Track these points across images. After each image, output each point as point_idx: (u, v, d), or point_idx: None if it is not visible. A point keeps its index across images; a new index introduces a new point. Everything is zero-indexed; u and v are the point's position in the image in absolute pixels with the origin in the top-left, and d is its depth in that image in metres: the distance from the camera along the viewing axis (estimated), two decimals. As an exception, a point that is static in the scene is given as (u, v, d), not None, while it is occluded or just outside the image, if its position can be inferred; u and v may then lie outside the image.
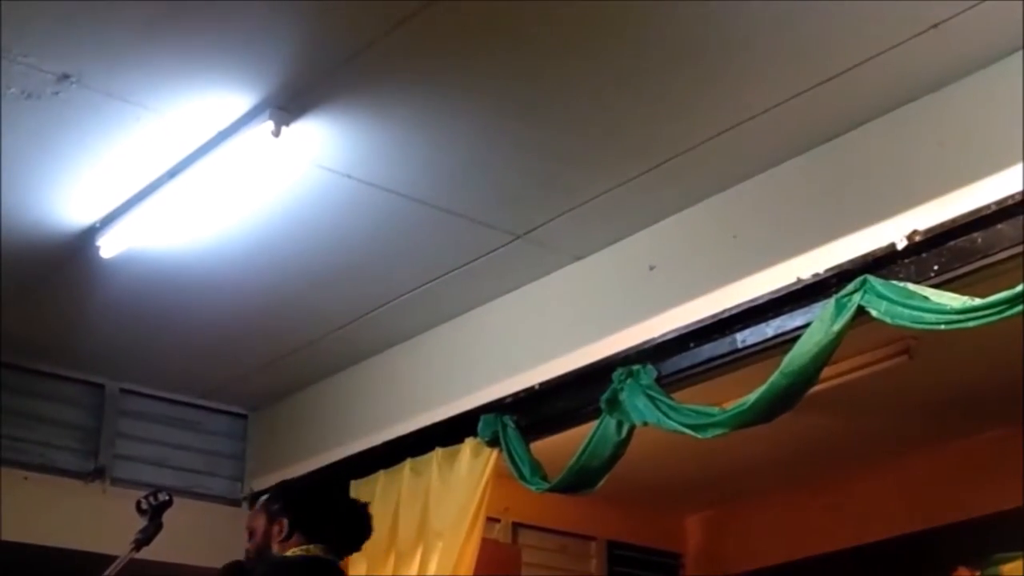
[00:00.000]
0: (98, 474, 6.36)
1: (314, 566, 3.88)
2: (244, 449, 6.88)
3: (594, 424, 4.81)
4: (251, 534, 3.98)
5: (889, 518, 6.73)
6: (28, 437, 6.24)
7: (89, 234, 4.97)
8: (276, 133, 4.08)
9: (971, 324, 3.70)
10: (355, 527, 4.09)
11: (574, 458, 4.85)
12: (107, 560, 4.99)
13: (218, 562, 6.57)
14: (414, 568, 5.53)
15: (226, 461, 6.82)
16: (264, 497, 4.12)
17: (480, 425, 5.33)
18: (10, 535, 5.57)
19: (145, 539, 2.80)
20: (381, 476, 5.84)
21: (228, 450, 6.85)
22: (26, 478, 6.17)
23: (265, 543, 3.92)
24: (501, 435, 5.24)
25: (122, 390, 6.54)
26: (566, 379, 5.09)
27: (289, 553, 3.87)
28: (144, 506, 2.84)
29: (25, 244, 5.10)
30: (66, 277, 5.38)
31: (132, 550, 2.80)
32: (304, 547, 3.89)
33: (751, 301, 4.41)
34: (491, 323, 5.59)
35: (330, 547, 3.95)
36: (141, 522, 2.86)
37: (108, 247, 4.99)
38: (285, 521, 3.91)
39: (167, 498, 2.83)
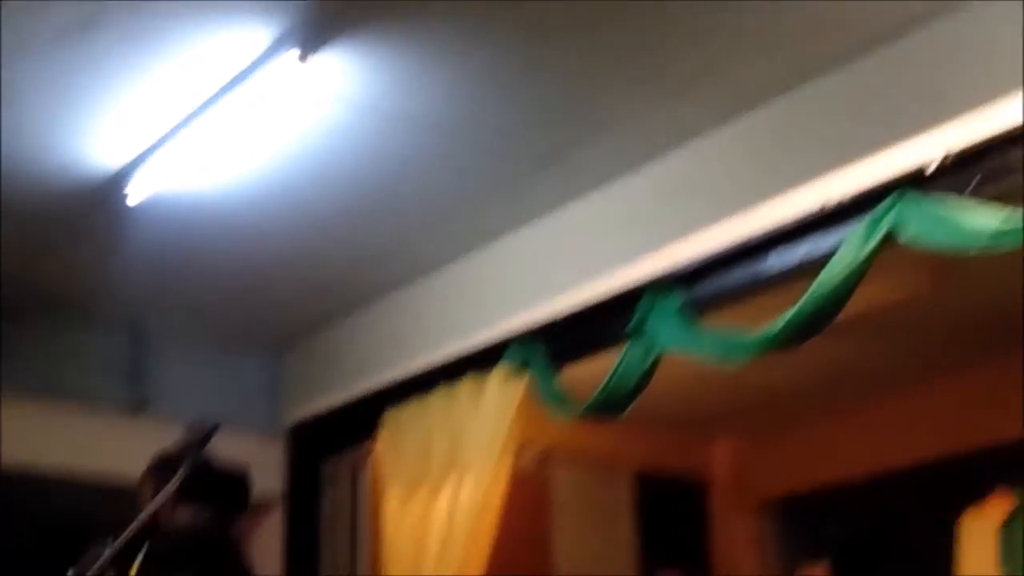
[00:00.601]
0: (140, 408, 6.48)
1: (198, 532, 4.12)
2: (280, 383, 6.98)
3: (621, 350, 4.84)
4: (142, 501, 4.20)
5: (919, 443, 6.73)
6: (74, 373, 6.38)
7: (116, 181, 5.03)
8: (303, 58, 4.09)
9: (1007, 246, 3.66)
10: (235, 493, 4.37)
11: (601, 385, 4.89)
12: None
13: (257, 491, 6.73)
14: (445, 496, 5.61)
15: (263, 394, 6.92)
16: (149, 466, 4.30)
17: (509, 352, 5.38)
18: (60, 467, 5.70)
19: (192, 467, 2.86)
20: (413, 405, 5.91)
21: (264, 383, 6.95)
22: (73, 412, 6.31)
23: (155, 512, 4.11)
24: (530, 362, 5.29)
25: (160, 329, 6.64)
26: (594, 305, 5.13)
27: (181, 521, 4.06)
28: (190, 435, 2.90)
29: (53, 192, 5.17)
30: (97, 224, 5.46)
31: (181, 475, 2.86)
32: (195, 513, 4.10)
33: (780, 224, 4.39)
34: (519, 250, 5.62)
35: (216, 513, 4.20)
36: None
37: (135, 194, 5.06)
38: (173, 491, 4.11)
39: (212, 426, 2.89)
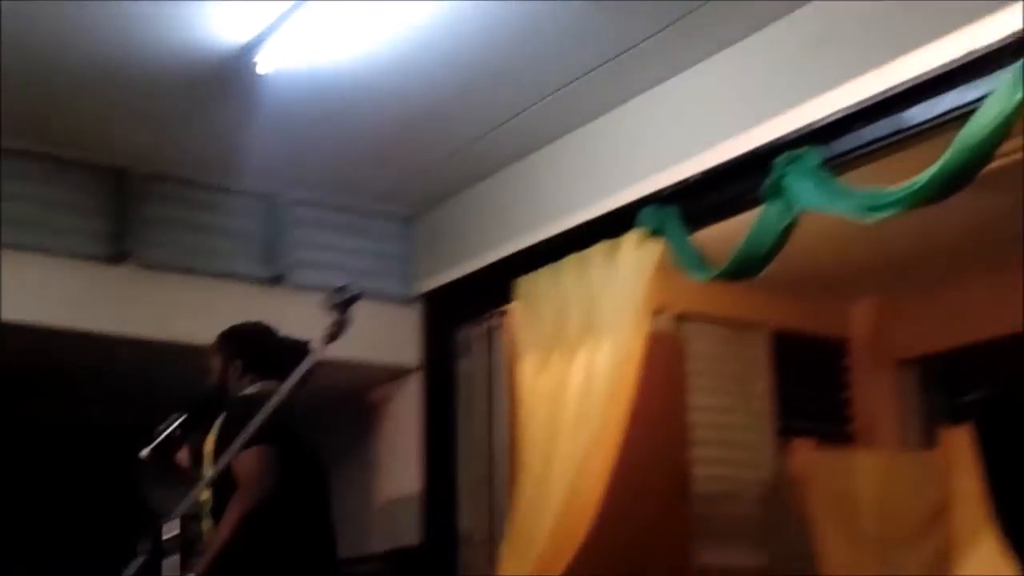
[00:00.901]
0: (277, 280, 6.58)
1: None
2: (413, 252, 7.03)
3: (758, 211, 4.78)
4: (211, 371, 4.38)
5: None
6: (211, 247, 6.52)
7: (247, 51, 5.07)
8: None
9: None
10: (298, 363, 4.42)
11: (738, 246, 4.84)
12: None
13: (393, 359, 6.86)
14: (581, 363, 5.63)
15: (396, 263, 6.99)
16: (217, 338, 4.47)
17: (642, 216, 5.33)
18: (198, 339, 5.82)
19: (335, 333, 2.93)
20: (545, 272, 5.91)
21: (398, 252, 7.02)
22: (213, 286, 6.46)
23: (224, 381, 4.50)
24: (663, 226, 5.24)
25: (294, 199, 6.72)
26: (728, 167, 5.06)
27: (252, 390, 4.38)
28: (333, 302, 2.95)
29: (184, 66, 5.24)
30: (229, 96, 5.51)
31: (324, 343, 2.91)
32: (260, 384, 4.42)
33: (922, 75, 4.25)
34: (650, 113, 5.55)
35: (281, 381, 4.27)
36: (328, 319, 2.97)
37: (265, 64, 5.08)
38: (240, 362, 4.49)
39: (354, 293, 2.93)
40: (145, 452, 4.35)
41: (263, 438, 3.99)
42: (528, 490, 5.75)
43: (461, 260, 6.63)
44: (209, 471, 4.17)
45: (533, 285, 5.96)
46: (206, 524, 4.12)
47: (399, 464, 7.03)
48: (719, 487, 6.91)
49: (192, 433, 4.43)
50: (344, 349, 3.08)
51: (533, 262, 6.02)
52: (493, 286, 6.36)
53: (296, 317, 6.27)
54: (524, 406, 5.90)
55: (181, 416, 4.43)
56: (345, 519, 7.48)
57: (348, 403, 7.41)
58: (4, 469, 7.48)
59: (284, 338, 4.56)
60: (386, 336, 6.70)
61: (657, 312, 6.45)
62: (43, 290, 6.00)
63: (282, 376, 4.31)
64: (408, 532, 6.78)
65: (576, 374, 5.62)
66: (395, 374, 7.05)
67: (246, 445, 4.02)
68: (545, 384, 5.78)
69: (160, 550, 2.36)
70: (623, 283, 5.43)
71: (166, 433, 4.38)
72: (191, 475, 4.40)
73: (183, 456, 4.41)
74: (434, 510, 6.65)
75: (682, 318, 6.93)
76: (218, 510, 4.05)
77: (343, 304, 2.94)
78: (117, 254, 6.24)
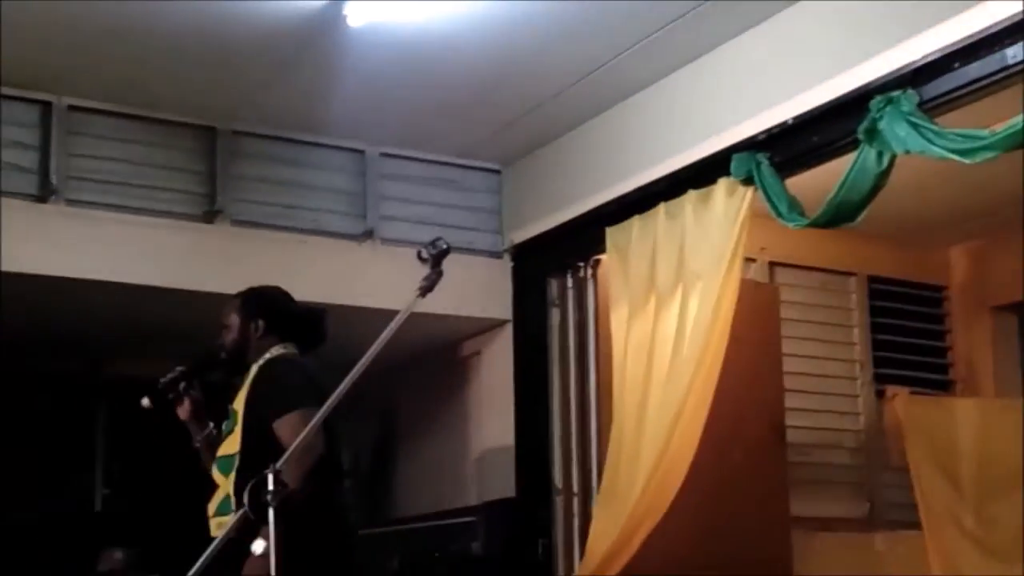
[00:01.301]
0: (367, 235, 6.61)
1: (308, 363, 4.40)
2: (502, 205, 7.02)
3: (852, 156, 4.70)
4: (227, 328, 4.35)
5: None
6: (301, 204, 6.56)
7: (335, 6, 5.09)
8: None
9: None
10: (316, 331, 4.59)
11: (833, 192, 4.76)
12: (380, 313, 5.23)
13: (485, 312, 6.87)
14: (674, 312, 5.59)
15: (485, 216, 6.99)
16: (236, 297, 4.45)
17: (733, 164, 5.27)
18: (293, 295, 5.86)
19: (429, 286, 2.93)
20: (636, 221, 5.88)
21: (486, 206, 7.02)
22: (304, 242, 6.47)
23: (243, 339, 4.43)
24: (755, 173, 5.18)
25: (382, 154, 6.74)
26: (821, 111, 4.98)
27: (278, 352, 4.37)
28: (425, 255, 2.95)
29: (275, 20, 5.25)
30: (318, 49, 5.52)
31: (418, 295, 2.91)
32: (283, 345, 4.41)
33: (1020, 12, 4.13)
34: (740, 59, 5.48)
35: (297, 348, 4.47)
36: (419, 273, 2.97)
37: (353, 17, 5.10)
38: (262, 323, 4.43)
39: (446, 246, 2.93)
40: (145, 400, 4.37)
41: (307, 401, 4.03)
42: (621, 442, 5.74)
43: (551, 211, 6.61)
44: (238, 428, 4.17)
45: (624, 235, 5.93)
46: (227, 477, 4.13)
47: (493, 417, 7.05)
48: (815, 437, 6.86)
49: (193, 387, 4.44)
50: (436, 303, 3.08)
51: (623, 212, 5.98)
52: (583, 237, 6.35)
53: (385, 272, 6.37)
54: (616, 357, 5.88)
55: (184, 368, 4.44)
56: (440, 472, 7.57)
57: (441, 357, 7.44)
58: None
59: (301, 304, 4.61)
60: (477, 289, 6.71)
61: (750, 260, 6.41)
62: (135, 249, 6.07)
63: (299, 340, 4.39)
64: (502, 484, 6.80)
65: (669, 324, 5.58)
66: (487, 327, 7.07)
67: (286, 409, 4.09)
68: (637, 334, 5.76)
69: (264, 506, 2.38)
70: (715, 231, 5.38)
71: (166, 382, 4.40)
72: (190, 427, 4.44)
73: (184, 408, 4.42)
74: (528, 462, 6.67)
75: (776, 265, 6.86)
76: (248, 468, 4.04)
77: (435, 257, 2.94)
78: (208, 212, 6.31)
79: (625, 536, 5.66)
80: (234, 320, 4.48)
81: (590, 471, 6.32)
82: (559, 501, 6.46)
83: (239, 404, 4.29)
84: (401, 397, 8.03)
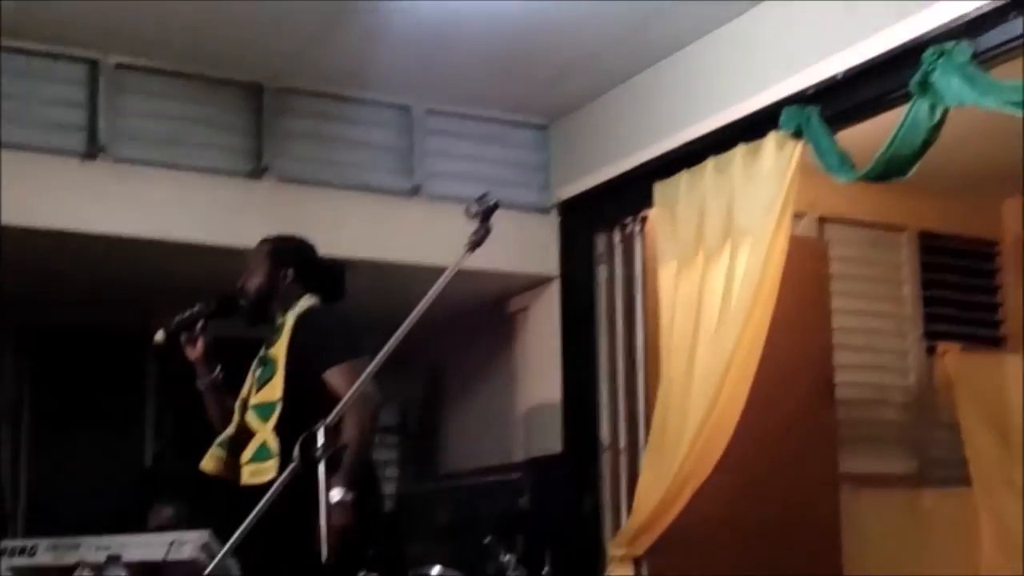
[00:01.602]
0: (414, 192, 6.60)
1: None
2: (549, 160, 6.99)
3: (904, 109, 4.63)
4: (252, 274, 4.30)
5: None
6: (347, 160, 6.56)
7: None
8: None
9: None
10: (338, 285, 4.56)
11: (884, 146, 4.70)
12: (427, 270, 5.24)
13: (532, 268, 6.86)
14: (722, 267, 5.56)
15: (532, 172, 6.96)
16: (265, 244, 4.40)
17: (783, 118, 5.22)
18: (340, 251, 5.88)
19: (477, 241, 2.91)
20: (684, 176, 5.84)
21: (533, 161, 6.98)
22: (350, 199, 6.51)
23: (270, 286, 4.40)
24: (805, 127, 5.12)
25: (429, 110, 6.72)
26: (872, 64, 4.92)
27: (310, 302, 4.35)
28: (474, 210, 2.93)
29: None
30: (365, 4, 5.51)
31: (467, 251, 2.90)
32: (310, 297, 4.39)
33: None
34: (790, 11, 5.41)
35: (323, 298, 4.45)
36: (466, 229, 2.96)
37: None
38: (291, 271, 4.40)
39: (494, 202, 2.91)
40: (159, 336, 4.34)
41: (359, 351, 4.03)
42: (669, 397, 5.73)
43: (598, 167, 6.58)
44: (279, 376, 4.15)
45: (672, 190, 5.89)
46: (265, 423, 4.12)
47: (539, 373, 7.05)
48: (864, 393, 6.83)
49: (207, 329, 4.40)
50: (483, 259, 3.07)
51: (671, 167, 5.94)
52: (631, 192, 6.31)
53: (432, 228, 6.36)
54: (664, 313, 5.87)
55: (202, 309, 4.41)
56: (487, 428, 7.59)
57: (488, 313, 7.44)
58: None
59: (325, 258, 4.59)
60: (524, 246, 6.69)
61: (799, 215, 6.36)
62: (182, 206, 6.10)
63: (322, 293, 4.37)
64: (549, 440, 6.81)
65: (717, 280, 5.56)
66: (534, 283, 7.06)
67: (339, 359, 4.08)
68: (685, 290, 5.73)
69: (313, 459, 2.38)
70: (764, 186, 5.34)
71: (182, 320, 4.36)
72: (198, 369, 4.40)
73: (195, 349, 4.39)
74: (575, 418, 6.67)
75: (825, 221, 6.81)
76: (292, 418, 4.04)
77: (484, 213, 2.92)
78: (255, 169, 6.32)
79: (672, 492, 5.66)
80: (262, 266, 4.45)
81: (637, 427, 6.31)
82: (606, 457, 6.46)
83: (278, 352, 4.26)
84: (448, 354, 8.04)
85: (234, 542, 2.54)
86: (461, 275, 2.96)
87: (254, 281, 4.43)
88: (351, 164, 6.56)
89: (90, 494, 6.95)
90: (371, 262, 6.43)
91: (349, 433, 3.90)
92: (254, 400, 4.22)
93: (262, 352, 4.34)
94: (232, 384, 4.49)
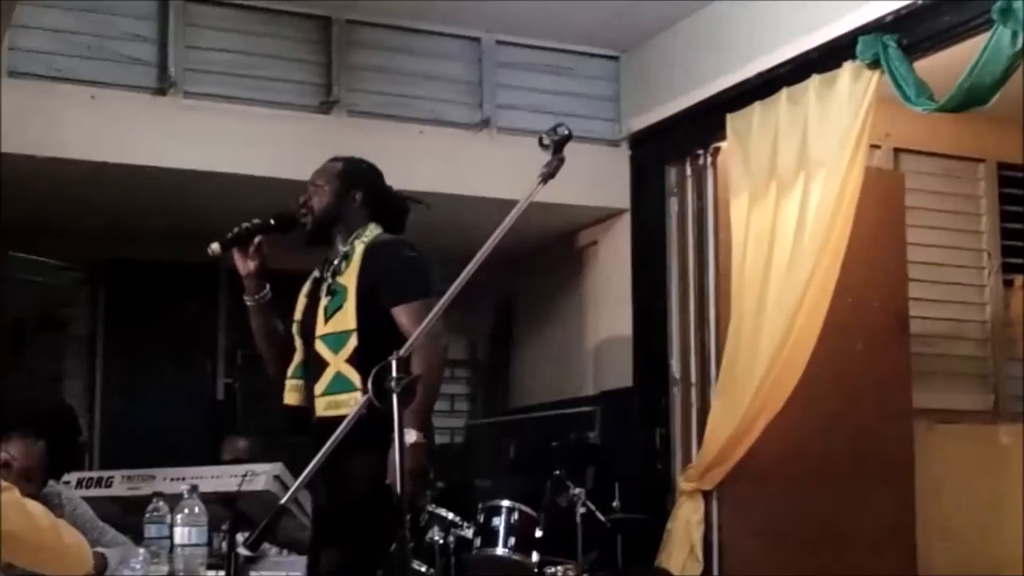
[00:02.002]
0: (484, 124, 6.58)
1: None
2: (620, 93, 6.93)
3: (985, 37, 4.54)
4: (318, 191, 4.16)
5: None
6: (417, 93, 6.54)
7: None
8: None
9: None
10: (401, 218, 4.38)
11: (963, 75, 4.63)
12: (496, 203, 5.22)
13: (603, 201, 6.82)
14: (796, 200, 5.51)
15: (603, 104, 6.92)
16: (336, 162, 4.27)
17: (859, 47, 5.14)
18: (409, 185, 5.85)
19: (550, 173, 2.86)
20: (757, 108, 5.77)
21: (604, 93, 6.94)
22: (421, 132, 6.47)
23: (337, 206, 4.21)
24: (882, 56, 5.04)
25: (499, 42, 6.68)
26: (952, -9, 4.83)
27: (377, 231, 4.20)
28: (546, 141, 2.88)
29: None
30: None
31: (539, 183, 2.86)
32: (376, 226, 4.22)
33: None
34: (867, -62, 5.31)
35: (385, 227, 4.26)
36: (536, 162, 2.92)
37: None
38: (359, 194, 4.23)
39: (568, 132, 2.86)
40: (214, 247, 4.20)
41: (432, 289, 3.98)
42: (741, 331, 5.70)
43: (669, 98, 6.52)
44: (350, 305, 4.07)
45: (745, 122, 5.82)
46: (336, 354, 4.05)
47: (610, 306, 7.04)
48: (939, 327, 6.74)
49: (264, 244, 4.25)
50: (553, 192, 3.03)
51: (744, 98, 5.87)
52: (703, 124, 6.26)
53: (502, 161, 6.33)
54: (736, 246, 5.83)
55: (261, 222, 4.25)
56: (557, 362, 7.60)
57: (558, 247, 7.43)
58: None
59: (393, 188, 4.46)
60: (595, 179, 6.65)
61: (875, 146, 6.27)
62: (252, 141, 6.11)
63: (386, 223, 4.26)
64: (620, 374, 6.81)
65: (790, 213, 5.50)
66: (604, 216, 7.03)
67: (411, 296, 4.02)
68: (758, 223, 5.69)
69: (387, 391, 2.36)
70: (839, 117, 5.27)
71: (240, 231, 4.21)
72: (247, 285, 4.27)
73: (249, 263, 4.22)
74: (645, 352, 6.66)
75: (901, 152, 6.71)
76: (366, 350, 3.99)
77: (557, 144, 2.88)
78: (324, 103, 6.32)
79: (743, 426, 5.65)
80: (331, 185, 4.25)
81: (708, 361, 6.29)
82: (677, 391, 6.45)
83: (348, 281, 4.09)
84: (519, 287, 8.04)
85: (307, 475, 2.54)
86: (531, 208, 2.92)
87: (321, 199, 4.22)
88: (421, 97, 6.54)
89: (163, 427, 7.02)
90: (441, 196, 6.39)
91: (427, 367, 3.86)
92: (324, 330, 4.09)
93: (328, 280, 4.23)
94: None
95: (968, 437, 6.59)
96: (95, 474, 5.25)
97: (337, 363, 4.01)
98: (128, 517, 4.32)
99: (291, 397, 4.19)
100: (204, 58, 6.12)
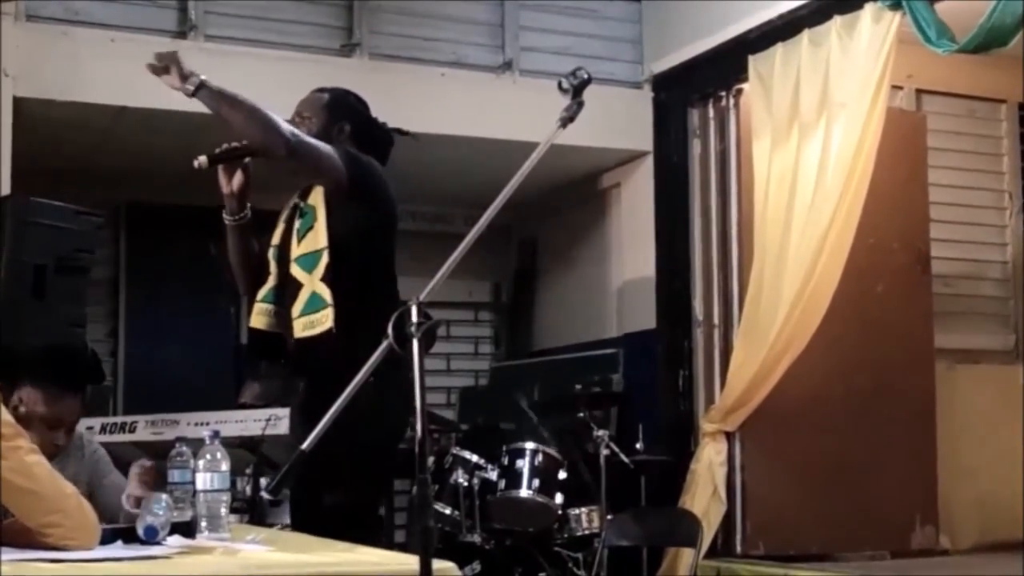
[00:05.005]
0: (506, 67, 6.57)
1: None
2: (641, 33, 6.90)
3: (1007, -23, 4.52)
4: (306, 121, 4.13)
5: None
6: (439, 36, 6.53)
7: None
8: None
9: None
10: (386, 151, 4.27)
11: (985, 15, 4.61)
12: (519, 145, 5.22)
13: (625, 144, 6.81)
14: (818, 141, 5.51)
15: (625, 46, 6.90)
16: (323, 94, 4.26)
17: (881, -11, 5.11)
18: (431, 128, 5.87)
19: (570, 117, 2.87)
20: (779, 49, 5.76)
21: (626, 35, 6.92)
22: (443, 74, 6.48)
23: (325, 137, 4.10)
24: (904, -2, 5.02)
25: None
26: (975, -70, 4.78)
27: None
28: (566, 85, 2.88)
29: None
30: None
31: (559, 127, 2.86)
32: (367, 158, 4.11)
33: None
34: None
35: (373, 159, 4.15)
36: (558, 105, 2.93)
37: None
38: (348, 127, 4.16)
39: (587, 76, 2.86)
40: (201, 160, 4.17)
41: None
42: (763, 273, 5.72)
43: (691, 40, 6.50)
44: (320, 224, 4.03)
45: (767, 63, 5.81)
46: (310, 274, 4.04)
47: (633, 248, 7.05)
48: (961, 268, 6.75)
49: (249, 168, 4.22)
50: (575, 135, 3.04)
51: (766, 40, 5.87)
52: (725, 66, 6.25)
53: (524, 104, 6.33)
54: (758, 188, 5.83)
55: (248, 145, 4.20)
56: (581, 304, 7.62)
57: (581, 189, 7.44)
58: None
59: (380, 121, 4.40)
60: (617, 121, 6.63)
61: (897, 87, 6.25)
62: (274, 84, 6.07)
63: (371, 154, 4.14)
64: (643, 316, 6.83)
65: (812, 154, 5.51)
66: (627, 158, 7.03)
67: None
68: (780, 165, 5.69)
69: (407, 336, 2.37)
70: (861, 58, 5.26)
71: (228, 147, 4.16)
72: (228, 204, 4.24)
73: (233, 181, 4.17)
74: (668, 294, 6.68)
75: (923, 93, 6.68)
76: (339, 270, 3.97)
77: (576, 88, 2.88)
78: (346, 46, 6.31)
79: (766, 367, 5.67)
80: (318, 117, 4.18)
81: (731, 302, 6.31)
82: (700, 332, 6.48)
83: (316, 200, 4.03)
84: (542, 230, 8.06)
85: (328, 420, 2.55)
86: (554, 151, 2.93)
87: (308, 130, 4.12)
88: (442, 40, 6.53)
89: (187, 370, 7.04)
90: (463, 138, 6.44)
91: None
92: (297, 252, 4.00)
93: (296, 202, 4.13)
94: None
95: (989, 376, 6.61)
96: (119, 419, 5.30)
97: (312, 282, 3.95)
98: (154, 462, 4.36)
99: (258, 320, 4.15)
100: (225, 1, 6.11)
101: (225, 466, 3.17)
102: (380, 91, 6.09)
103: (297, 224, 4.06)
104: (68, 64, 5.77)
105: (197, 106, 5.90)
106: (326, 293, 3.94)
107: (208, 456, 3.15)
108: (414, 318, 2.46)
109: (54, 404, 3.62)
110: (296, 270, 4.03)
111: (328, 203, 4.00)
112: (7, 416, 2.72)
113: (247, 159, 4.13)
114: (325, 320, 3.92)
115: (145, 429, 5.13)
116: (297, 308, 4.01)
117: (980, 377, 6.55)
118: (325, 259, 3.96)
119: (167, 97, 5.86)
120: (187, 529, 3.03)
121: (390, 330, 2.48)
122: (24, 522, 2.71)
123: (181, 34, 6.01)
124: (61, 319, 5.11)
